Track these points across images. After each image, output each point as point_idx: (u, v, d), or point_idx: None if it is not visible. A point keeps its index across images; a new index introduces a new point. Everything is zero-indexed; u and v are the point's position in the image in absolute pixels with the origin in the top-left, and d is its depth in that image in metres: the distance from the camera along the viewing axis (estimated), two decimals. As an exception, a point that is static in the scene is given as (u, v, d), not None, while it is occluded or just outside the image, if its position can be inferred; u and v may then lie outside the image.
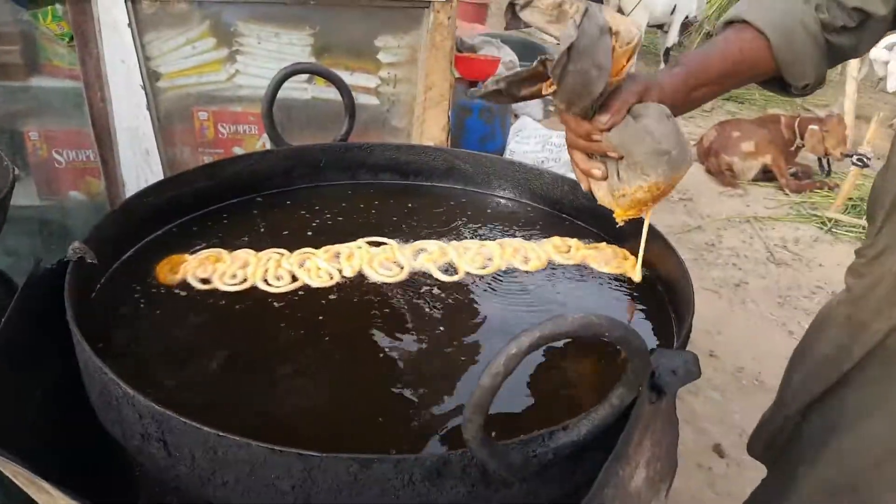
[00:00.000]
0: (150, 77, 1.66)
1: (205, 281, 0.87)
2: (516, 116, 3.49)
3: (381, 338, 0.80)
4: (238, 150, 1.80)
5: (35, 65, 1.67)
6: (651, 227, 1.00)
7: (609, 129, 0.79)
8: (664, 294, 0.93)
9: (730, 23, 0.86)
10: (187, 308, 0.82)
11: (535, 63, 0.76)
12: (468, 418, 0.52)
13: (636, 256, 1.01)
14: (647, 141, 0.78)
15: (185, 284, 0.86)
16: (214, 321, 0.81)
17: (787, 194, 3.86)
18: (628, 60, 0.76)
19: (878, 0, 0.79)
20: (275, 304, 0.85)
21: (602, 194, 0.88)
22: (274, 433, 0.56)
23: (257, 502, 0.58)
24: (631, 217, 0.90)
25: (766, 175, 3.94)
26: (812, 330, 0.99)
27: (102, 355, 0.62)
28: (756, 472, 1.91)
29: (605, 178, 0.85)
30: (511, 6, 0.82)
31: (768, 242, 3.34)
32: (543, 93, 0.79)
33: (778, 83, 0.88)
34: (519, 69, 0.78)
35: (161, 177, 1.67)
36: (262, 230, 1.01)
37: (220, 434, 0.55)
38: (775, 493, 1.02)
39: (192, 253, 0.92)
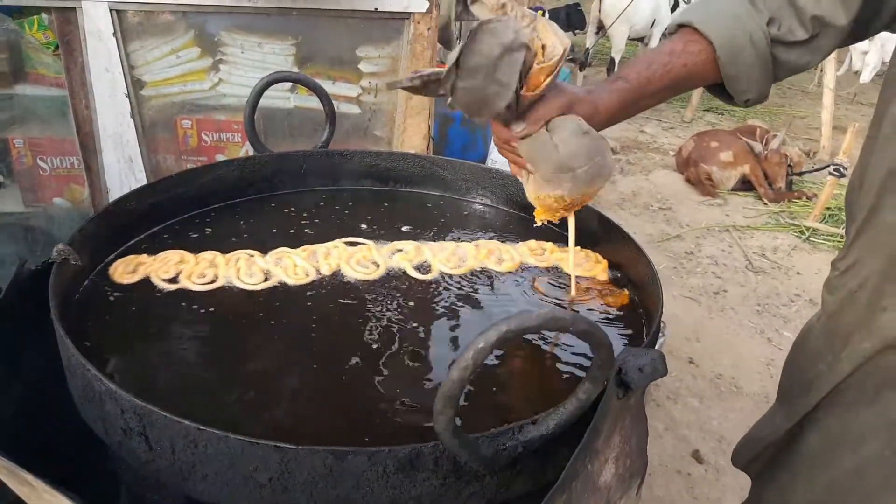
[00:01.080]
0: (135, 85, 1.67)
1: (171, 280, 0.88)
2: (500, 126, 3.52)
3: (356, 333, 0.82)
4: (221, 158, 1.81)
5: (20, 73, 1.68)
6: (622, 232, 1.04)
7: (523, 139, 0.79)
8: (635, 296, 0.96)
9: (682, 25, 0.84)
10: (166, 308, 0.84)
11: (448, 65, 0.73)
12: (439, 411, 0.54)
13: (607, 260, 1.04)
14: (553, 158, 0.78)
15: (149, 284, 0.87)
16: (192, 320, 0.82)
17: (765, 204, 3.93)
18: (548, 76, 0.74)
19: (838, 8, 0.76)
20: (250, 302, 0.86)
21: (529, 190, 0.89)
22: (252, 430, 0.58)
23: (236, 496, 0.60)
24: (548, 219, 0.91)
25: (745, 185, 4.02)
26: (796, 342, 0.97)
27: (86, 354, 0.64)
28: (733, 479, 1.95)
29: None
30: None
31: (747, 251, 3.39)
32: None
33: (722, 91, 0.87)
34: (435, 70, 0.73)
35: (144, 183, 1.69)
36: (244, 233, 1.03)
37: (200, 427, 0.57)
38: None
39: (152, 254, 0.94)
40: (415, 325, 0.85)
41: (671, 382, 2.36)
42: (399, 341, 0.81)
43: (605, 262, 1.05)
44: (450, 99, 0.72)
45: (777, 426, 0.96)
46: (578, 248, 1.08)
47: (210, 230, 1.04)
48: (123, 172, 1.70)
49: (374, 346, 0.80)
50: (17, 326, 0.73)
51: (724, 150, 3.91)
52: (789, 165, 3.93)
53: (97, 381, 0.62)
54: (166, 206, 1.03)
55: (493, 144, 3.17)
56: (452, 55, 0.68)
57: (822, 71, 5.04)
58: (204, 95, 1.75)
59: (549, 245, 1.08)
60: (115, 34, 1.57)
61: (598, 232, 1.08)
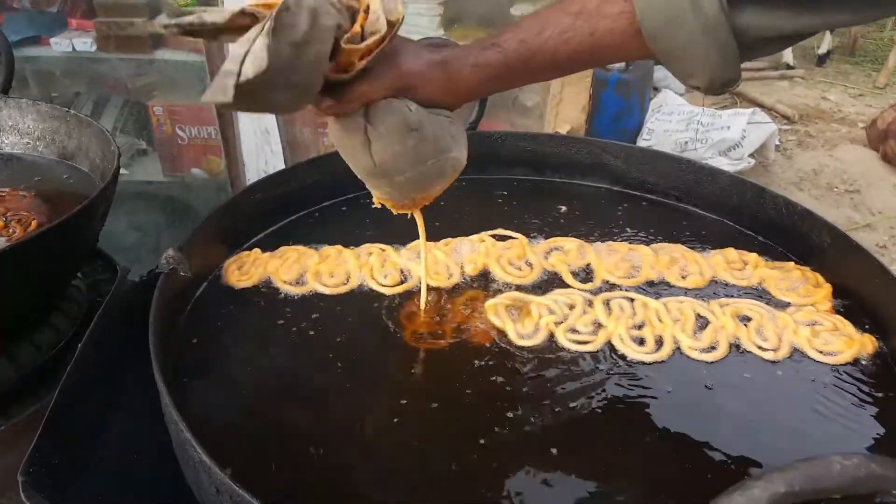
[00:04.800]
0: (272, 50, 1.59)
1: (296, 283, 0.77)
2: (656, 90, 3.15)
3: (513, 366, 0.66)
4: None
5: (160, 37, 1.67)
6: (867, 256, 0.77)
7: (335, 118, 0.58)
8: (883, 346, 0.70)
9: None
10: (289, 320, 0.72)
11: (231, 15, 0.51)
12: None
13: (830, 284, 0.80)
14: (362, 159, 0.60)
15: (271, 288, 0.76)
16: (321, 336, 0.70)
17: (982, 189, 3.25)
18: (363, 58, 0.54)
19: None
20: (387, 310, 0.74)
21: None
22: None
23: None
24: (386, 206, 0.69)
25: (957, 165, 3.34)
26: None
27: (188, 377, 0.55)
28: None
29: None
30: None
31: (959, 247, 2.82)
32: None
33: None
34: (209, 18, 0.51)
35: (280, 157, 1.62)
36: (373, 226, 0.89)
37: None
38: None
39: (268, 250, 0.82)
40: (580, 367, 0.67)
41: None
42: (559, 393, 0.63)
43: (827, 287, 0.79)
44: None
45: None
46: (792, 264, 0.84)
47: (338, 222, 0.91)
48: (259, 144, 1.64)
49: (534, 395, 0.62)
50: (116, 351, 0.62)
51: (934, 122, 3.25)
52: None
53: (190, 446, 0.49)
54: (293, 197, 0.91)
55: (650, 112, 2.83)
56: (231, 67, 0.45)
57: None
58: (342, 61, 1.64)
59: (752, 257, 0.84)
60: (252, -5, 1.49)
61: (825, 247, 0.82)
